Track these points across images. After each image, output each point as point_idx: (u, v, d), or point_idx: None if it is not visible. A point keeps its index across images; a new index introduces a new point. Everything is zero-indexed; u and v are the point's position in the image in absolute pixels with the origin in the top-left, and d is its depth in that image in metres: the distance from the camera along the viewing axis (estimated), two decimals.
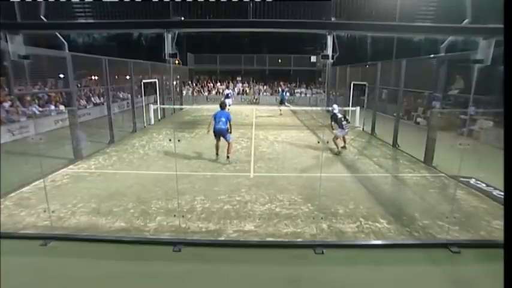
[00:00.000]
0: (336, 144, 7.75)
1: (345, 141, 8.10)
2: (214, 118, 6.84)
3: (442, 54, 6.48)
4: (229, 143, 6.84)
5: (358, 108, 12.40)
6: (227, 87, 21.14)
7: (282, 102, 16.14)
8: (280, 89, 19.24)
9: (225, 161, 6.81)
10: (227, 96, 15.75)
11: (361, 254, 3.44)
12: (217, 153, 7.02)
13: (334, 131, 7.81)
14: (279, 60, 23.94)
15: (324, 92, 19.96)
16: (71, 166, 6.48)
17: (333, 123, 7.89)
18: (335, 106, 8.04)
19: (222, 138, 6.86)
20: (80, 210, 4.40)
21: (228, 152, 6.86)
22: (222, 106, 7.10)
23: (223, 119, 6.79)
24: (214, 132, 6.80)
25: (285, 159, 7.27)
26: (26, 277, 2.96)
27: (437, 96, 6.85)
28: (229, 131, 6.90)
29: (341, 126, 7.61)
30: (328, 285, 2.93)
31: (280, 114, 15.40)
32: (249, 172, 6.25)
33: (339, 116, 7.74)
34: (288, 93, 18.21)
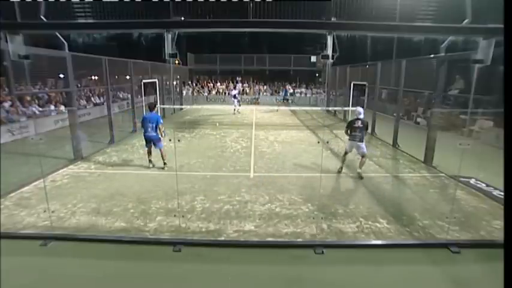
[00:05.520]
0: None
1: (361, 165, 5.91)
2: (142, 123, 6.09)
3: (442, 54, 6.48)
4: (161, 150, 6.23)
5: None
6: (234, 87, 19.13)
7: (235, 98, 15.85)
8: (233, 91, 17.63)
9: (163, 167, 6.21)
10: (234, 97, 15.55)
11: (361, 254, 3.44)
12: (149, 160, 6.36)
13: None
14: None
15: (324, 92, 19.97)
16: (71, 166, 6.48)
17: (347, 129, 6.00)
18: (360, 110, 5.91)
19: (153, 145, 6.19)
20: (80, 210, 4.40)
21: (163, 159, 6.27)
22: (151, 107, 6.30)
23: (152, 124, 6.03)
24: (144, 139, 6.18)
25: (285, 159, 7.27)
26: (26, 277, 2.96)
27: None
28: (162, 135, 6.14)
29: (352, 138, 5.83)
30: (328, 285, 2.93)
31: (238, 111, 15.63)
32: (249, 172, 6.25)
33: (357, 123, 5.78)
34: (238, 94, 16.87)
